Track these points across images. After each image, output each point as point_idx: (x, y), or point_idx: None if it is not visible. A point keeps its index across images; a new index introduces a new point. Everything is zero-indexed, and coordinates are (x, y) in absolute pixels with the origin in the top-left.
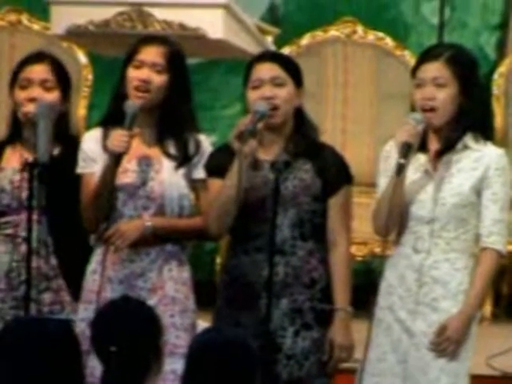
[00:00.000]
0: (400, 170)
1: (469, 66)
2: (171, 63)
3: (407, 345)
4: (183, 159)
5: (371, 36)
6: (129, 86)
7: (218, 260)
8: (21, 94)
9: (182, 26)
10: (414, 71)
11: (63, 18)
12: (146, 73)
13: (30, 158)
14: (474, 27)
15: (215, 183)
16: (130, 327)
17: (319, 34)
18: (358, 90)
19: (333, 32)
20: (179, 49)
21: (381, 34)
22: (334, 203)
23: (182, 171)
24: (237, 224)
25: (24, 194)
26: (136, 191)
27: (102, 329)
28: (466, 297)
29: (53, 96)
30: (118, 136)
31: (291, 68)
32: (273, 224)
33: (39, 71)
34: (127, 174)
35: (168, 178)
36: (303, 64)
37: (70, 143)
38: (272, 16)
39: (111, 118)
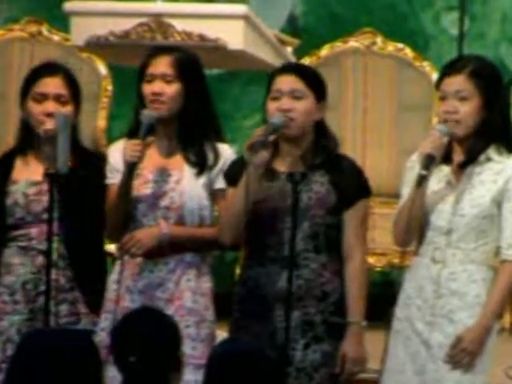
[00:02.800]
0: (421, 181)
1: (492, 78)
2: (182, 71)
3: (425, 357)
4: (202, 167)
5: (391, 47)
6: (145, 101)
7: (238, 271)
8: (36, 108)
9: (202, 37)
10: (438, 84)
11: (83, 29)
12: (158, 85)
13: (49, 169)
14: (493, 38)
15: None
16: (149, 337)
17: (339, 45)
18: (378, 100)
19: (352, 43)
20: (190, 56)
21: (400, 45)
22: (350, 216)
23: (202, 181)
24: (252, 235)
25: (39, 207)
26: (156, 202)
27: (122, 339)
28: (483, 308)
29: (67, 110)
30: (131, 145)
31: (313, 81)
32: (293, 236)
33: (54, 85)
34: (147, 185)
35: (188, 188)
36: (323, 75)
37: (81, 156)
38: (292, 27)
39: (135, 130)
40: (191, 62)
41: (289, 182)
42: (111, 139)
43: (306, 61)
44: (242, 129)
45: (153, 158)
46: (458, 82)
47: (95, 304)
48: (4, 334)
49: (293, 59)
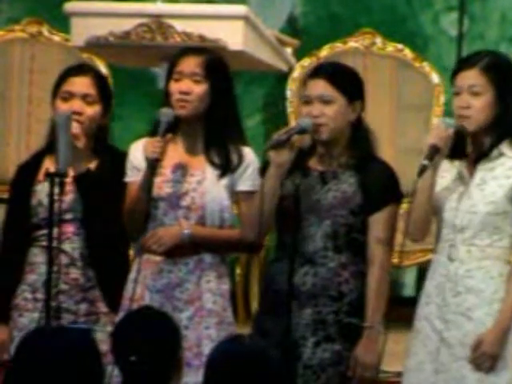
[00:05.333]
0: (422, 171)
1: (506, 73)
2: (210, 72)
3: (445, 355)
4: (225, 169)
5: (390, 47)
6: (172, 99)
7: (238, 271)
8: (62, 106)
9: (202, 38)
10: (453, 78)
11: (83, 30)
12: (186, 84)
13: (51, 168)
14: (492, 39)
15: None
16: (149, 337)
17: (338, 46)
18: (377, 100)
19: (352, 43)
20: (218, 57)
21: (400, 46)
22: (376, 220)
23: (224, 182)
24: (277, 231)
25: (61, 207)
26: (177, 201)
27: (122, 338)
28: (500, 310)
29: (94, 110)
30: (151, 143)
31: (343, 83)
32: (294, 239)
33: (81, 84)
34: (168, 184)
35: (210, 189)
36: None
37: (107, 156)
38: (291, 27)
39: (157, 128)
40: (220, 63)
41: (318, 181)
42: (111, 139)
43: (306, 61)
44: None
45: (175, 157)
46: (471, 77)
47: (116, 303)
48: (23, 330)
49: (292, 60)
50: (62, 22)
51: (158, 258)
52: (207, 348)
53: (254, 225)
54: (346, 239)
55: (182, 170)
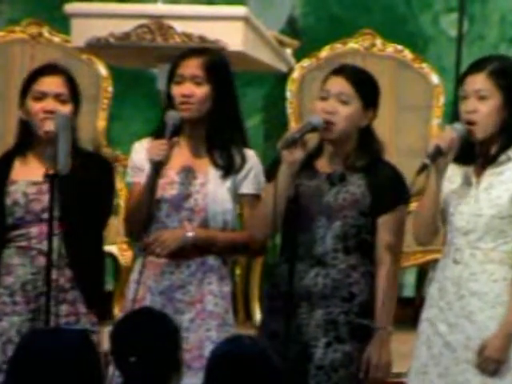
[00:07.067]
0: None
1: None
2: (211, 74)
3: (448, 359)
4: (228, 169)
5: (390, 48)
6: (175, 102)
7: (238, 271)
8: (35, 106)
9: (202, 39)
10: (461, 83)
11: (83, 31)
12: (187, 87)
13: (49, 170)
14: (492, 40)
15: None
16: (149, 338)
17: (338, 47)
18: None
19: (352, 44)
20: (219, 58)
21: (399, 47)
22: (385, 221)
23: (227, 185)
24: (285, 232)
25: (38, 207)
26: (180, 203)
27: (122, 339)
28: (505, 315)
29: (67, 109)
30: (156, 145)
31: (363, 87)
32: (294, 241)
33: (54, 84)
34: (173, 186)
35: (213, 191)
36: (322, 76)
37: (78, 156)
38: (291, 28)
39: (162, 130)
40: (221, 64)
41: (326, 182)
42: (111, 140)
43: (306, 62)
44: None
45: (179, 159)
46: (479, 81)
47: (94, 304)
48: (4, 334)
49: (292, 61)
50: (62, 23)
51: (161, 260)
52: (208, 350)
53: (260, 226)
54: (356, 240)
55: (187, 172)
